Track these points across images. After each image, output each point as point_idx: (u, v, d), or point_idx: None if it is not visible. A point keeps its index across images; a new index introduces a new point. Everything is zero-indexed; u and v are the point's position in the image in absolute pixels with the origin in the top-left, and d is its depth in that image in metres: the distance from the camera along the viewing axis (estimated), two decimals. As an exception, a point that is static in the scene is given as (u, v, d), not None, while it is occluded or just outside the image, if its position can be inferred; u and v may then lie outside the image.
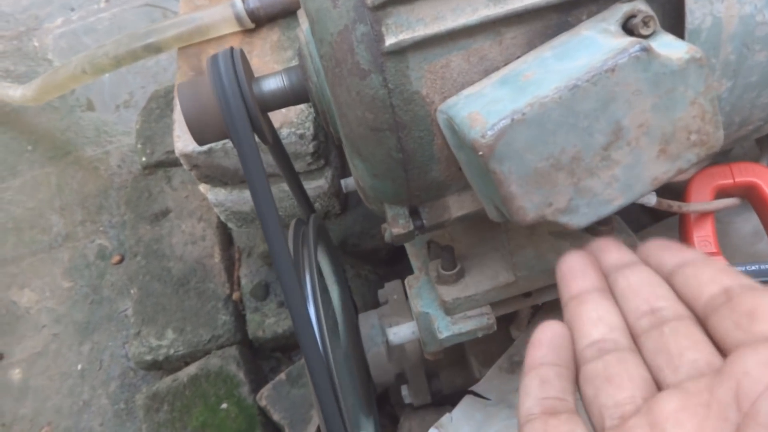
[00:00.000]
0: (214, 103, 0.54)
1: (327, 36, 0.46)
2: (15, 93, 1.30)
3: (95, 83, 1.59)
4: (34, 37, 1.74)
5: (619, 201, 0.45)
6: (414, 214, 0.55)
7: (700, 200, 0.62)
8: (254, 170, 0.55)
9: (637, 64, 0.40)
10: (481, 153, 0.41)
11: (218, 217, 1.20)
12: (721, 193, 0.62)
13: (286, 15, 0.91)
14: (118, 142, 1.51)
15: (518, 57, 0.46)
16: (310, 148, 0.90)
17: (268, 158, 0.78)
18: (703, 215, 0.61)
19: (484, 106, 0.43)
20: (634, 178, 0.44)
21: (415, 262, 0.69)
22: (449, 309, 0.62)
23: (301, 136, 0.88)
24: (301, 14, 0.53)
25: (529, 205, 0.43)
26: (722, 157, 0.84)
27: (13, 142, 1.56)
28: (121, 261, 1.36)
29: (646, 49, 0.40)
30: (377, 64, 0.45)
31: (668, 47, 0.42)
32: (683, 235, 0.61)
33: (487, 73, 0.46)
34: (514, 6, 0.45)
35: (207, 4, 0.95)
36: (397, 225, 0.54)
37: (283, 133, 0.87)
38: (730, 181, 0.62)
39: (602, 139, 0.42)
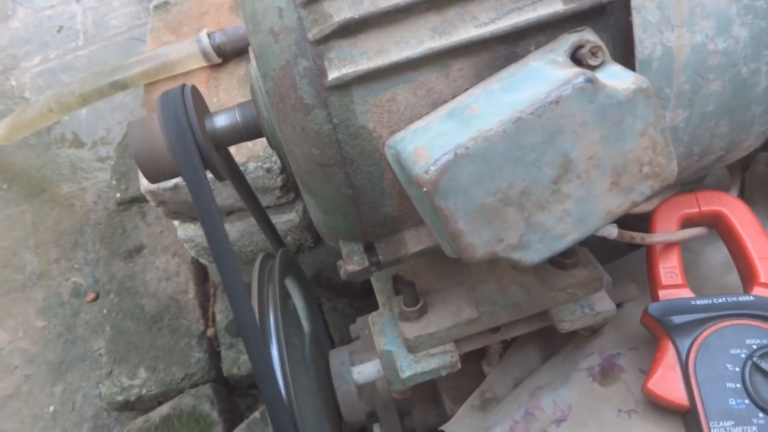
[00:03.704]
0: (163, 140, 0.53)
1: (270, 71, 0.45)
2: (-13, 132, 1.29)
3: (72, 120, 1.58)
4: (12, 76, 1.74)
5: (573, 235, 0.43)
6: (369, 250, 0.53)
7: (666, 230, 0.60)
8: (206, 208, 0.53)
9: (581, 95, 0.39)
10: (425, 189, 0.40)
11: (192, 253, 1.18)
12: (687, 223, 0.61)
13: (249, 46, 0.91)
14: (95, 178, 1.50)
15: (466, 89, 0.45)
16: (278, 181, 0.89)
17: (235, 192, 0.76)
18: (669, 246, 0.60)
19: (429, 141, 0.41)
20: (587, 211, 0.43)
21: (380, 298, 0.67)
22: (412, 347, 0.60)
23: (269, 170, 0.87)
24: (251, 48, 0.52)
25: (478, 242, 0.42)
26: (696, 185, 0.83)
27: (-11, 181, 1.55)
28: (96, 298, 1.33)
29: (591, 80, 0.39)
30: (321, 99, 0.44)
31: (615, 78, 0.41)
32: (649, 267, 0.60)
33: (435, 105, 0.45)
34: (459, 38, 0.44)
35: (174, 40, 0.95)
36: (351, 262, 0.53)
37: (250, 167, 0.85)
38: (696, 210, 0.61)
39: (551, 172, 0.41)
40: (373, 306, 0.70)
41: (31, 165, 1.54)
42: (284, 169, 0.88)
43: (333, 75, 0.43)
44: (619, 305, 0.67)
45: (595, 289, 0.61)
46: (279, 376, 0.59)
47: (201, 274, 1.22)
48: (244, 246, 1.04)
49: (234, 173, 0.68)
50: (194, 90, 0.56)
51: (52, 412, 1.22)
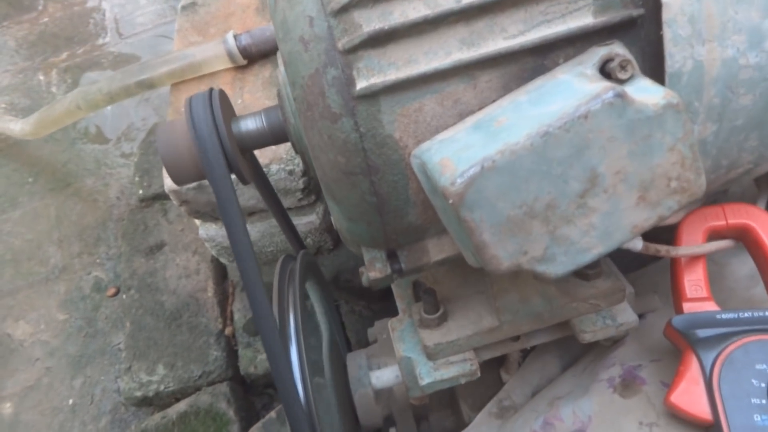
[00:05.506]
0: (191, 144, 0.54)
1: (299, 79, 0.45)
2: (15, 127, 1.31)
3: (97, 115, 1.60)
4: (39, 71, 1.76)
5: (598, 249, 0.43)
6: (392, 257, 0.53)
7: (692, 243, 0.60)
8: (230, 211, 0.54)
9: (610, 110, 0.39)
10: (451, 201, 0.40)
11: (212, 251, 1.19)
12: (714, 235, 0.60)
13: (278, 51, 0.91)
14: (118, 173, 1.52)
15: (494, 100, 0.45)
16: (300, 184, 0.89)
17: (257, 193, 0.77)
18: (695, 258, 0.59)
19: (455, 153, 0.41)
20: (613, 225, 0.43)
21: (399, 304, 0.67)
22: (431, 354, 0.60)
23: (291, 172, 0.87)
24: (280, 55, 0.52)
25: (503, 254, 0.42)
26: (721, 195, 0.82)
27: (15, 174, 1.57)
28: (116, 293, 1.35)
29: (620, 95, 0.39)
30: (348, 108, 0.44)
31: (644, 92, 0.41)
32: (674, 279, 0.59)
33: (462, 116, 0.45)
34: (488, 49, 0.44)
35: (201, 41, 0.96)
36: (374, 269, 0.53)
37: (273, 169, 0.86)
38: (723, 222, 0.60)
39: (578, 186, 0.41)
40: (392, 309, 0.71)
41: (56, 159, 1.57)
42: (306, 172, 0.89)
43: (361, 84, 0.43)
44: (641, 316, 0.66)
45: (617, 300, 0.60)
46: (298, 379, 0.60)
47: (220, 272, 1.23)
48: (265, 246, 1.04)
49: (258, 176, 0.68)
50: (221, 94, 0.57)
51: (72, 405, 1.24)
